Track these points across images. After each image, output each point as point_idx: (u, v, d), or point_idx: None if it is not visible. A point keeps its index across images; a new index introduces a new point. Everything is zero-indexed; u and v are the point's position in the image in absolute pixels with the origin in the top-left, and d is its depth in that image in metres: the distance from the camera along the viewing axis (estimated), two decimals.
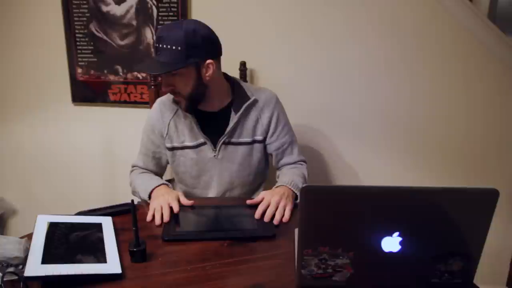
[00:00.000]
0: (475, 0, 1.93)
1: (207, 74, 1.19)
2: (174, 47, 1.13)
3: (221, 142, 1.28)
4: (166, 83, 1.19)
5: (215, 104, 1.28)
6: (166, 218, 1.07)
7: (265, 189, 1.40)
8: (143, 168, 1.36)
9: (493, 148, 1.70)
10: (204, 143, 1.29)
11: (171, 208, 1.11)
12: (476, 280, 0.80)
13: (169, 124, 1.29)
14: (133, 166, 1.39)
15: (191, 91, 1.20)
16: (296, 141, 1.40)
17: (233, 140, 1.29)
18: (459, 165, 1.73)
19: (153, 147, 1.33)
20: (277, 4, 1.67)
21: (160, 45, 1.14)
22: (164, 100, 1.33)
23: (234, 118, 1.27)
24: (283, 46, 1.71)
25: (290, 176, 1.27)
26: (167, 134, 1.30)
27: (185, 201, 1.15)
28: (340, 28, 1.66)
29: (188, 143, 1.29)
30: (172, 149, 1.31)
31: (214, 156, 1.29)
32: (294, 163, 1.37)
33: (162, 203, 1.11)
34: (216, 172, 1.31)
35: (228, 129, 1.27)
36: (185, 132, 1.29)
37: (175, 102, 1.27)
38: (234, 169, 1.31)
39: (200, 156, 1.30)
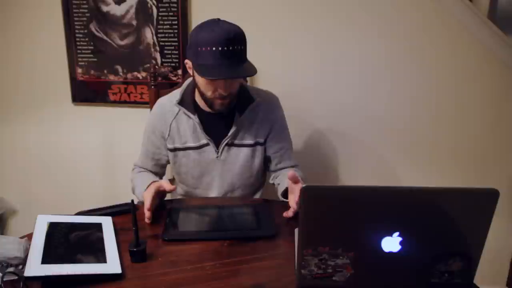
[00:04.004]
0: (475, 0, 1.93)
1: None
2: (242, 47, 1.13)
3: (224, 144, 1.28)
4: (228, 85, 1.15)
5: None
6: (147, 206, 1.07)
7: (262, 192, 1.42)
8: (143, 168, 1.36)
9: (493, 148, 1.70)
10: (207, 144, 1.28)
11: (170, 207, 1.11)
12: (476, 280, 0.80)
13: (171, 125, 1.28)
14: (134, 165, 1.40)
15: (238, 88, 1.22)
16: (292, 146, 1.40)
17: (236, 141, 1.29)
18: (459, 165, 1.73)
19: (152, 148, 1.33)
20: (277, 5, 1.67)
21: (235, 47, 1.10)
22: (165, 102, 1.31)
23: (238, 119, 1.27)
24: (284, 47, 1.71)
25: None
26: (168, 135, 1.29)
27: (168, 187, 1.12)
28: (340, 29, 1.67)
29: (190, 144, 1.28)
30: (174, 150, 1.30)
31: (217, 157, 1.29)
32: (292, 166, 1.37)
33: (145, 198, 1.11)
34: (218, 173, 1.31)
35: (232, 130, 1.26)
36: (187, 133, 1.28)
37: (222, 104, 1.21)
38: (236, 171, 1.31)
39: (203, 157, 1.29)
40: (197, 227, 1.08)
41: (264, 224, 1.07)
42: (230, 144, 1.28)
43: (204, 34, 1.11)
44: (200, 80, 1.17)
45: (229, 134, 1.26)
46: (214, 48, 1.08)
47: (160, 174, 1.38)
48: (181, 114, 1.28)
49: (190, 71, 1.22)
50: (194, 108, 1.27)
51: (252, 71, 1.15)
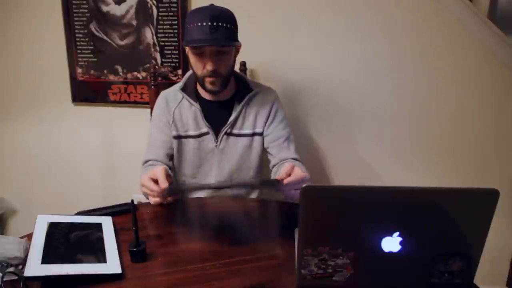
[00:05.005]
0: (475, 0, 1.93)
1: (236, 57, 1.28)
2: (229, 25, 1.18)
3: (223, 133, 1.31)
4: (215, 60, 1.19)
5: (221, 94, 1.30)
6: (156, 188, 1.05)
7: (261, 191, 1.42)
8: (154, 161, 1.31)
9: (493, 148, 1.70)
10: (206, 133, 1.31)
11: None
12: (476, 280, 0.80)
13: (174, 112, 1.31)
14: (144, 162, 1.33)
15: (229, 71, 1.25)
16: (293, 140, 1.38)
17: (235, 131, 1.32)
18: (459, 165, 1.73)
19: (162, 136, 1.32)
20: (277, 3, 1.67)
21: (220, 23, 1.15)
22: (169, 91, 1.36)
23: (237, 108, 1.31)
24: (283, 45, 1.71)
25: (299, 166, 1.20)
26: (172, 122, 1.31)
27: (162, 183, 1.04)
28: (340, 28, 1.67)
29: (191, 132, 1.32)
30: (177, 137, 1.32)
31: (216, 146, 1.31)
32: (293, 159, 1.33)
33: (145, 183, 1.07)
34: (215, 162, 1.33)
35: (231, 118, 1.30)
36: (189, 121, 1.31)
37: (212, 83, 1.24)
38: (234, 161, 1.33)
39: (202, 146, 1.32)
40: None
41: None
42: (229, 134, 1.32)
43: (194, 13, 1.20)
44: (191, 59, 1.24)
45: (228, 122, 1.30)
46: (199, 24, 1.15)
47: (171, 167, 1.35)
48: (184, 101, 1.32)
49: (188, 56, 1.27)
50: (196, 96, 1.32)
51: (235, 44, 1.22)
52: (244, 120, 1.32)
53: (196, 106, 1.30)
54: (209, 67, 1.20)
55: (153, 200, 1.12)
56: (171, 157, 1.35)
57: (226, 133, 1.31)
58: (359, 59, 1.68)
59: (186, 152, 1.33)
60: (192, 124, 1.31)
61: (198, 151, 1.32)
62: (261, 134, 1.35)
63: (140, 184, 1.13)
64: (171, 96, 1.34)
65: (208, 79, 1.23)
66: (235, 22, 1.22)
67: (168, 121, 1.32)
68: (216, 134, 1.31)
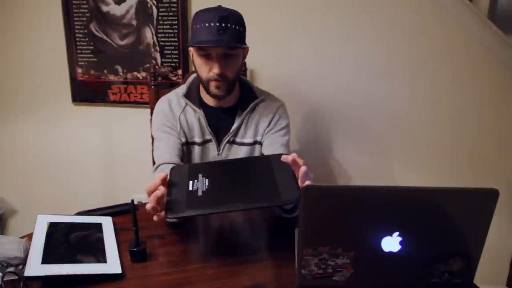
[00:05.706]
0: (475, 0, 1.93)
1: (244, 60, 1.26)
2: (238, 27, 1.15)
3: (225, 141, 1.29)
4: (222, 63, 1.16)
5: (225, 100, 1.27)
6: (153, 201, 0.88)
7: None
8: (166, 164, 1.20)
9: (493, 148, 1.70)
10: (209, 141, 1.30)
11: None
12: (476, 280, 0.81)
13: (179, 118, 1.28)
14: (155, 168, 1.23)
15: (236, 74, 1.22)
16: (289, 149, 1.32)
17: (237, 139, 1.30)
18: (459, 165, 1.73)
19: (172, 138, 1.27)
20: (277, 4, 1.67)
21: (228, 25, 1.12)
22: (171, 97, 1.32)
23: (240, 116, 1.28)
24: (284, 46, 1.71)
25: None
26: (180, 128, 1.28)
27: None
28: (340, 29, 1.67)
29: (196, 139, 1.30)
30: (186, 144, 1.30)
31: (218, 154, 1.30)
32: None
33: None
34: None
35: (234, 127, 1.27)
36: (194, 127, 1.29)
37: (217, 87, 1.20)
38: None
39: (205, 154, 1.30)
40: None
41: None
42: (232, 142, 1.30)
43: (201, 14, 1.17)
44: (196, 61, 1.20)
45: (231, 130, 1.28)
46: (207, 24, 1.12)
47: None
48: (187, 108, 1.29)
49: (192, 58, 1.24)
50: (199, 103, 1.29)
51: (244, 46, 1.19)
52: (247, 129, 1.30)
53: (200, 113, 1.27)
54: (216, 70, 1.15)
55: (148, 204, 0.89)
56: (182, 159, 1.30)
57: (228, 142, 1.29)
58: (357, 61, 1.68)
59: (192, 159, 1.31)
60: (197, 130, 1.28)
61: (202, 159, 1.30)
62: (261, 143, 1.31)
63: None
64: (174, 102, 1.30)
65: (213, 83, 1.19)
66: (244, 24, 1.19)
67: (176, 127, 1.28)
68: (219, 142, 1.29)
